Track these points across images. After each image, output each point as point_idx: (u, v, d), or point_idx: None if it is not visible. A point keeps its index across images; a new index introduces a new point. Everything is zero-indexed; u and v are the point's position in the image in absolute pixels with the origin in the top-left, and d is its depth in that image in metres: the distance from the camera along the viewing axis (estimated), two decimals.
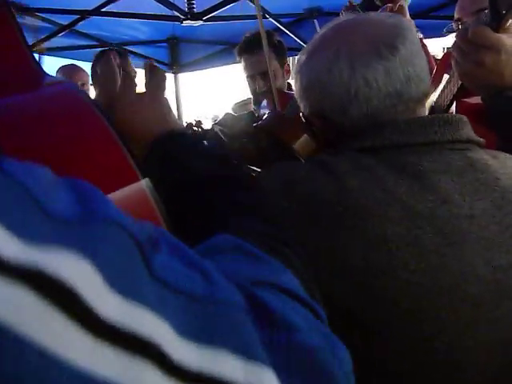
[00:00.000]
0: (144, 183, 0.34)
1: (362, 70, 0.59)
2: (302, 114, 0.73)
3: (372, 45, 0.60)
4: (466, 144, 0.60)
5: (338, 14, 2.08)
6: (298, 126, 0.77)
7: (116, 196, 0.33)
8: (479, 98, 0.82)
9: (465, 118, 0.62)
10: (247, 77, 1.62)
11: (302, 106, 0.71)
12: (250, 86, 1.66)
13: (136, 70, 1.75)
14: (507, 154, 0.64)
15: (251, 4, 2.18)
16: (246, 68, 1.62)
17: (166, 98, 0.55)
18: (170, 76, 3.35)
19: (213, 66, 3.30)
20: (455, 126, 0.60)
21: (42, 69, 0.45)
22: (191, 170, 0.43)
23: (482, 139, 0.62)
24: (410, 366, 0.54)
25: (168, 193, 0.41)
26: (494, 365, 0.55)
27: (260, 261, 0.30)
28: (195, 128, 1.14)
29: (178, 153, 0.45)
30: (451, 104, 0.96)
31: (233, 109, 3.15)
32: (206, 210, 0.40)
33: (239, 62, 1.70)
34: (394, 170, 0.56)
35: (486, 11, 0.72)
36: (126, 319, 0.18)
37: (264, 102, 1.41)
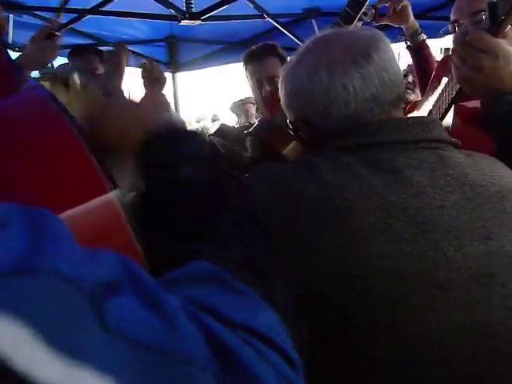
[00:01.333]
0: (113, 195, 0.33)
1: (339, 76, 0.65)
2: (289, 121, 0.76)
3: (349, 54, 0.66)
4: (437, 143, 0.64)
5: (336, 14, 2.08)
6: (287, 132, 0.79)
7: (83, 209, 0.32)
8: (478, 101, 0.83)
9: (437, 120, 0.67)
10: (255, 82, 1.62)
11: (287, 112, 0.75)
12: (256, 93, 1.65)
13: (134, 68, 1.75)
14: (484, 154, 0.67)
15: (249, 4, 2.18)
16: (254, 73, 1.62)
17: (161, 96, 0.55)
18: (168, 75, 3.34)
19: (211, 66, 3.29)
20: (427, 126, 0.64)
21: (20, 73, 0.43)
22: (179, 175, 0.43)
23: (455, 140, 0.66)
24: (388, 355, 0.56)
25: (152, 194, 0.41)
26: (477, 348, 0.56)
27: (239, 296, 0.29)
28: None
29: (164, 156, 0.45)
30: (449, 107, 0.96)
31: (231, 108, 3.16)
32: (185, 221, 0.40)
33: (241, 64, 1.69)
34: (370, 166, 0.60)
35: (484, 16, 0.72)
36: (68, 382, 0.17)
37: None
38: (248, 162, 0.90)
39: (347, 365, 0.58)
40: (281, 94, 0.75)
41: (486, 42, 0.71)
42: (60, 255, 0.19)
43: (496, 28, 0.70)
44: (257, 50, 1.62)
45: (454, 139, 0.66)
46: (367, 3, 1.24)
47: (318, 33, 0.75)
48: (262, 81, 1.58)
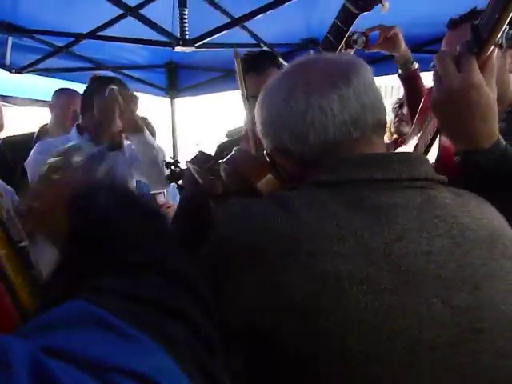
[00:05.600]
0: None
1: (317, 99, 0.60)
2: (266, 152, 0.71)
3: (327, 77, 0.62)
4: (424, 182, 0.59)
5: None
6: (262, 164, 0.74)
7: None
8: None
9: (424, 157, 0.63)
10: (251, 97, 1.37)
11: (264, 142, 0.70)
12: (249, 109, 1.44)
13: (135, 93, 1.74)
14: (472, 194, 0.62)
15: (244, 31, 2.18)
16: (250, 87, 1.38)
17: None
18: (166, 100, 3.36)
19: (210, 92, 3.30)
20: (414, 163, 0.59)
21: None
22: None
23: (443, 177, 0.61)
24: None
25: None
26: None
27: (120, 339, 0.26)
28: (172, 167, 1.13)
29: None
30: (432, 143, 0.91)
31: (227, 135, 3.14)
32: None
33: (239, 91, 1.57)
34: (350, 205, 0.55)
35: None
36: None
37: None
38: (221, 194, 0.84)
39: None
40: (257, 121, 0.70)
41: (440, 65, 0.67)
42: None
43: (479, 48, 0.65)
44: (255, 59, 1.45)
45: (441, 176, 0.61)
46: (354, 32, 1.21)
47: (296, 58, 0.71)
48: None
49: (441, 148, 0.87)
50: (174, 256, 0.42)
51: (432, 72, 0.74)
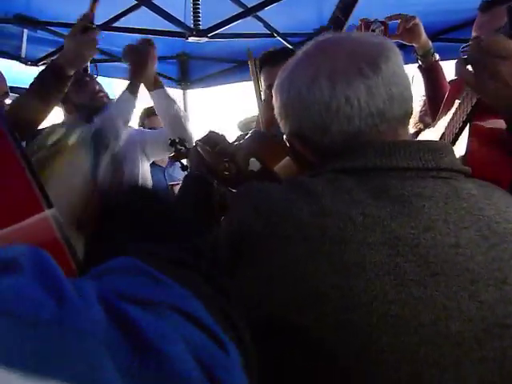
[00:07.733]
0: (49, 213, 0.35)
1: (343, 87, 0.57)
2: (284, 135, 0.69)
3: (354, 63, 0.58)
4: (449, 172, 0.58)
5: None
6: (280, 147, 0.73)
7: (18, 226, 0.33)
8: (495, 121, 0.75)
9: (450, 146, 0.61)
10: (266, 88, 1.46)
11: (281, 124, 0.67)
12: (265, 100, 1.48)
13: None
14: (495, 186, 0.60)
15: (258, 22, 2.17)
16: (266, 79, 1.47)
17: None
18: (178, 92, 3.37)
19: (221, 83, 3.30)
20: (439, 153, 0.58)
21: None
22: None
23: (467, 168, 0.60)
24: None
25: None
26: None
27: (162, 284, 0.30)
28: (178, 146, 1.12)
29: None
30: (463, 127, 0.89)
31: (238, 126, 3.13)
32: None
33: (251, 82, 1.59)
34: (375, 194, 0.54)
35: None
36: None
37: None
38: (236, 177, 0.84)
39: None
40: (275, 104, 0.68)
41: (503, 46, 0.63)
42: None
43: None
44: (272, 54, 1.49)
45: (465, 167, 0.59)
46: (373, 21, 1.20)
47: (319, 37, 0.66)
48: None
49: (471, 139, 0.86)
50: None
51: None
